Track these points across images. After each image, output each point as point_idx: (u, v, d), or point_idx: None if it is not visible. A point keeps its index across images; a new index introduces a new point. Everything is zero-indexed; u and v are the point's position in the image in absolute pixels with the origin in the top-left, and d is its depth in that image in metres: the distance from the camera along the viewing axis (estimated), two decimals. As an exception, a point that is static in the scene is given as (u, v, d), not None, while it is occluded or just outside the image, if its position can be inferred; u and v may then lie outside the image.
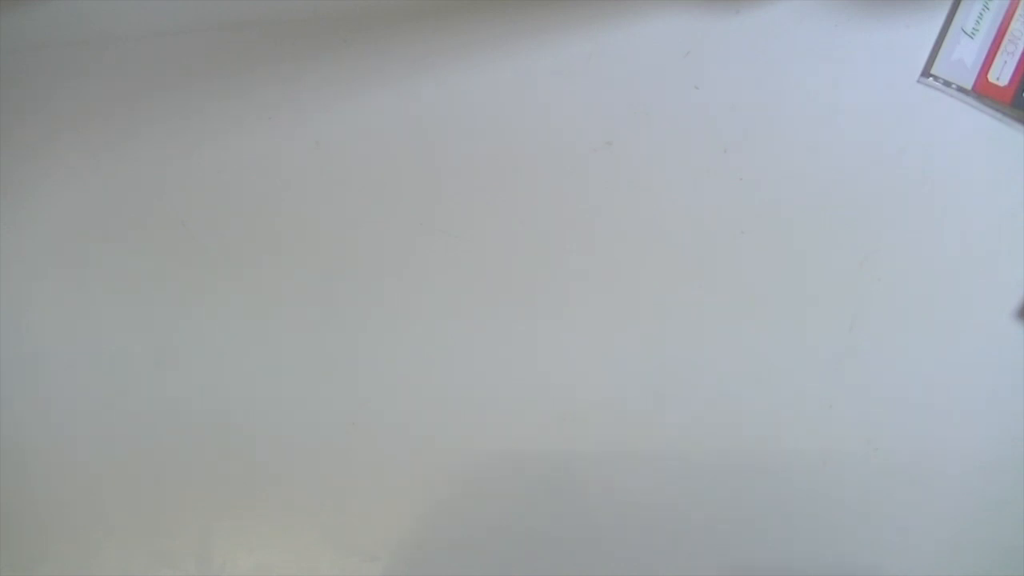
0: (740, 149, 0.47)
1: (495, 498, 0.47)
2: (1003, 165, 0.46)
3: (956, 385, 0.46)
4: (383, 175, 0.48)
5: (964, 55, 0.46)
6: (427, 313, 0.48)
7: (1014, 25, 0.46)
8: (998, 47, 0.46)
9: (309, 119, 0.48)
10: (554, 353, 0.47)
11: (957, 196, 0.46)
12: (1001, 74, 0.46)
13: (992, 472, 0.46)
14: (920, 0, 0.46)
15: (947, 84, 0.46)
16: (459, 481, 0.47)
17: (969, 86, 0.46)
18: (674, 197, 0.47)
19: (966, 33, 0.46)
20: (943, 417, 0.46)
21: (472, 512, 0.47)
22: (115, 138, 0.49)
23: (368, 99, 0.48)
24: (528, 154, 0.48)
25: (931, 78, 0.46)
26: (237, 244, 0.48)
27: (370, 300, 0.48)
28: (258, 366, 0.48)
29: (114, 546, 0.48)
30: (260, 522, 0.48)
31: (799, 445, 0.46)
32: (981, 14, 0.46)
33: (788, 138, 0.47)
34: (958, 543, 0.46)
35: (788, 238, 0.47)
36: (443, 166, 0.48)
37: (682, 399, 0.47)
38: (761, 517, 0.46)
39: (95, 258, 0.49)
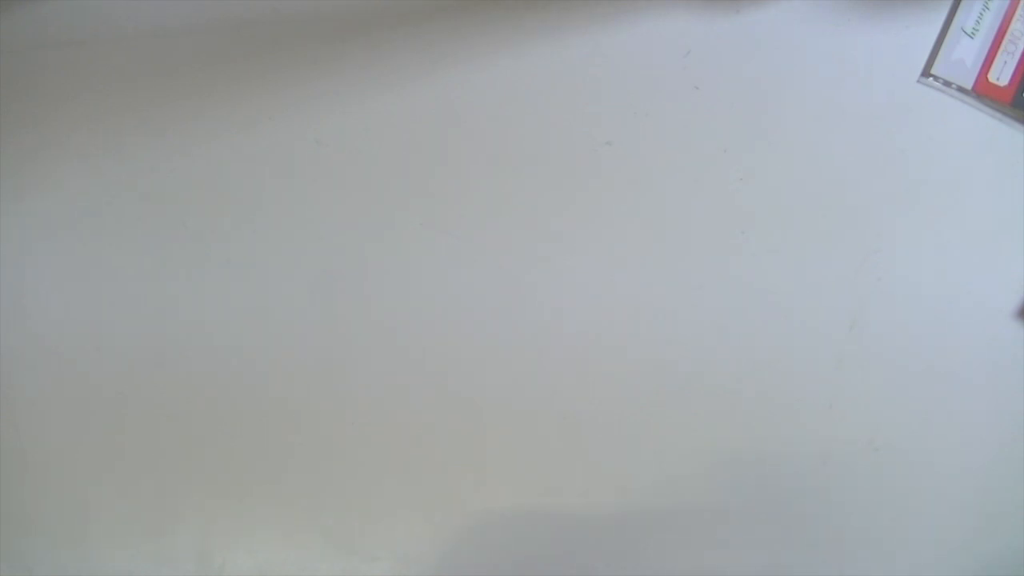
0: (740, 149, 0.47)
1: (495, 498, 0.47)
2: (1003, 165, 0.46)
3: (956, 385, 0.46)
4: (384, 174, 0.48)
5: (964, 55, 0.46)
6: (427, 313, 0.48)
7: (1014, 25, 0.46)
8: (998, 47, 0.46)
9: (310, 118, 0.48)
10: (554, 355, 0.47)
11: (957, 196, 0.46)
12: (1001, 74, 0.46)
13: (992, 472, 0.46)
14: (920, 0, 0.46)
15: (947, 84, 0.46)
16: (459, 481, 0.47)
17: (969, 86, 0.46)
18: (674, 197, 0.47)
19: (966, 33, 0.46)
20: (943, 417, 0.46)
21: (472, 512, 0.47)
22: (115, 138, 0.49)
23: (369, 98, 0.48)
24: (528, 154, 0.48)
25: (931, 78, 0.46)
26: (238, 244, 0.48)
27: (371, 300, 0.48)
28: (259, 366, 0.48)
29: (114, 546, 0.48)
30: (260, 522, 0.48)
31: (799, 445, 0.46)
32: (981, 14, 0.46)
33: (788, 138, 0.47)
34: (958, 543, 0.46)
35: (788, 238, 0.47)
36: (443, 166, 0.48)
37: (682, 399, 0.47)
38: (761, 517, 0.46)
39: (95, 258, 0.49)
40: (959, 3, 0.46)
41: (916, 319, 0.46)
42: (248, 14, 0.49)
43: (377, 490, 0.47)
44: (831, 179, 0.47)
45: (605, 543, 0.47)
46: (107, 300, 0.48)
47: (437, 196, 0.48)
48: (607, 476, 0.47)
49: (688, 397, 0.47)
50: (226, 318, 0.48)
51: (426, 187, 0.48)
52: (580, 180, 0.47)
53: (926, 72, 0.46)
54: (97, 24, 0.49)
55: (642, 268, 0.47)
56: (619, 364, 0.47)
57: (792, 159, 0.47)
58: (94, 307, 0.48)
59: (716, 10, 0.47)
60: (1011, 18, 0.46)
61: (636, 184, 0.47)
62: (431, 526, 0.47)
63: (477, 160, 0.48)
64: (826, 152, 0.47)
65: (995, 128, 0.46)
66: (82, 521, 0.48)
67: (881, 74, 0.47)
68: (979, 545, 0.46)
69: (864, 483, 0.46)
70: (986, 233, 0.46)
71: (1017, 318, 0.46)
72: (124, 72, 0.49)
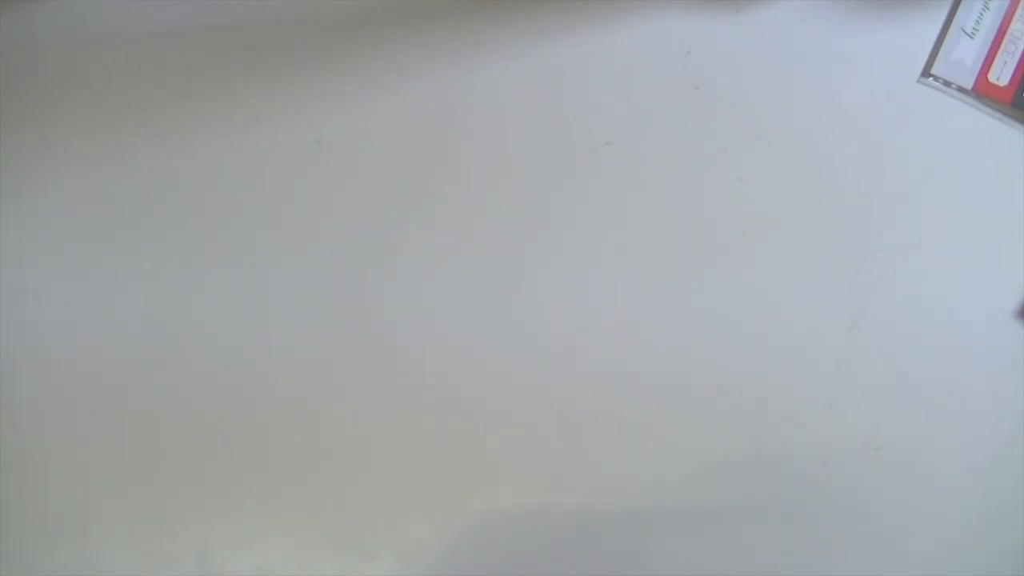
0: (740, 149, 0.47)
1: (495, 498, 0.47)
2: (1003, 165, 0.46)
3: (956, 385, 0.46)
4: (384, 174, 0.48)
5: (964, 55, 0.46)
6: (426, 313, 0.48)
7: (1014, 25, 0.46)
8: (998, 47, 0.46)
9: (310, 118, 0.48)
10: (554, 355, 0.47)
11: (957, 196, 0.46)
12: (1001, 74, 0.46)
13: (992, 472, 0.46)
14: (920, 0, 0.46)
15: (947, 84, 0.46)
16: (459, 481, 0.47)
17: (969, 86, 0.46)
18: (674, 197, 0.47)
19: (966, 33, 0.46)
20: (943, 417, 0.46)
21: (472, 512, 0.47)
22: (115, 138, 0.49)
23: (369, 98, 0.48)
24: (528, 154, 0.48)
25: (931, 78, 0.46)
26: (238, 244, 0.48)
27: (370, 299, 0.48)
28: (259, 366, 0.48)
29: (114, 546, 0.48)
30: (260, 522, 0.48)
31: (799, 444, 0.46)
32: (981, 14, 0.46)
33: (788, 138, 0.47)
34: (957, 543, 0.46)
35: (788, 238, 0.47)
36: (444, 166, 0.48)
37: (682, 399, 0.47)
38: (761, 516, 0.46)
39: (95, 258, 0.49)
40: (959, 3, 0.46)
41: (916, 319, 0.46)
42: (248, 14, 0.49)
43: (377, 490, 0.47)
44: (831, 179, 0.47)
45: (605, 543, 0.47)
46: (107, 300, 0.48)
47: (437, 196, 0.48)
48: (607, 476, 0.47)
49: (688, 397, 0.47)
50: (226, 318, 0.48)
51: (426, 187, 0.48)
52: (580, 180, 0.47)
53: (926, 72, 0.46)
54: (97, 24, 0.49)
55: (642, 268, 0.47)
56: (619, 364, 0.47)
57: (792, 159, 0.47)
58: (94, 307, 0.48)
59: (716, 10, 0.47)
60: (1011, 18, 0.46)
61: (636, 184, 0.47)
62: (431, 526, 0.47)
63: (477, 160, 0.48)
64: (826, 152, 0.47)
65: (995, 128, 0.46)
66: (82, 521, 0.48)
67: (881, 74, 0.47)
68: (979, 545, 0.46)
69: (864, 483, 0.46)
70: (986, 233, 0.46)
71: (1017, 318, 0.46)
72: (124, 72, 0.49)
